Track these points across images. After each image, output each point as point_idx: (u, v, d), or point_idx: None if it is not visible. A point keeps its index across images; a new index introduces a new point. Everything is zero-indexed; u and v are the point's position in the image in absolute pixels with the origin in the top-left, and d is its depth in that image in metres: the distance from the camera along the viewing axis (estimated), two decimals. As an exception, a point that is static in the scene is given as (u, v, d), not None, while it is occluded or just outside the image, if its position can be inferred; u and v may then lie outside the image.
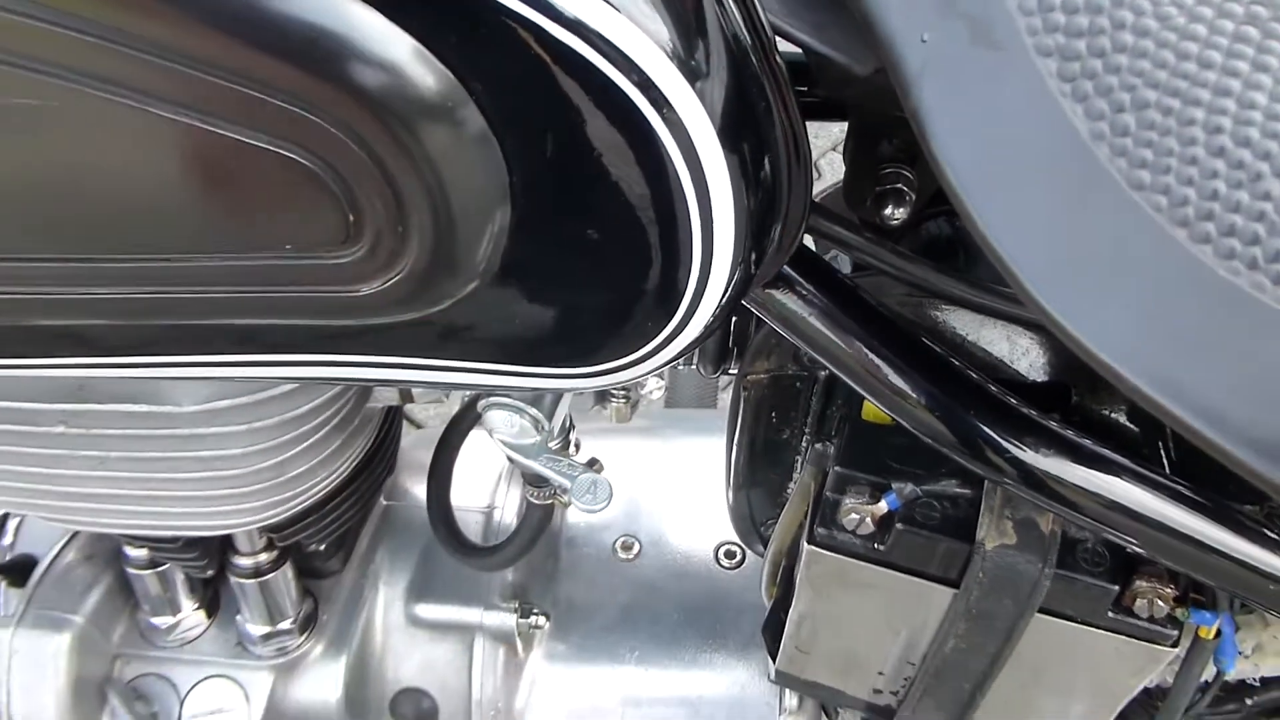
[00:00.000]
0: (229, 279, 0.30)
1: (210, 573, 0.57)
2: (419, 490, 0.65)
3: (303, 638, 0.59)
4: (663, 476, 0.68)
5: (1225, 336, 0.26)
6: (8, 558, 0.68)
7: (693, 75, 0.26)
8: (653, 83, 0.26)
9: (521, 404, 0.41)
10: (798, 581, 0.46)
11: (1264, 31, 0.26)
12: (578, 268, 0.30)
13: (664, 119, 0.26)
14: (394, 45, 0.24)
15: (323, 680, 0.59)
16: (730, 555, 0.64)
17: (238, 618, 0.58)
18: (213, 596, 0.60)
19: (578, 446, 0.48)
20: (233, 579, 0.56)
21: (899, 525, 0.42)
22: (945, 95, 0.26)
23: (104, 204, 0.29)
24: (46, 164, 0.28)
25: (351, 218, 0.27)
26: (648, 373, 0.33)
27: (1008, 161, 0.26)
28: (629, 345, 0.32)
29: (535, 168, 0.27)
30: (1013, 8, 0.26)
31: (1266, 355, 0.25)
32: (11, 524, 0.70)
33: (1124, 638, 0.42)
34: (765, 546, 0.54)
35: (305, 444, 0.45)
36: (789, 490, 0.51)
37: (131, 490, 0.46)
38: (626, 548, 0.65)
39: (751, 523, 0.56)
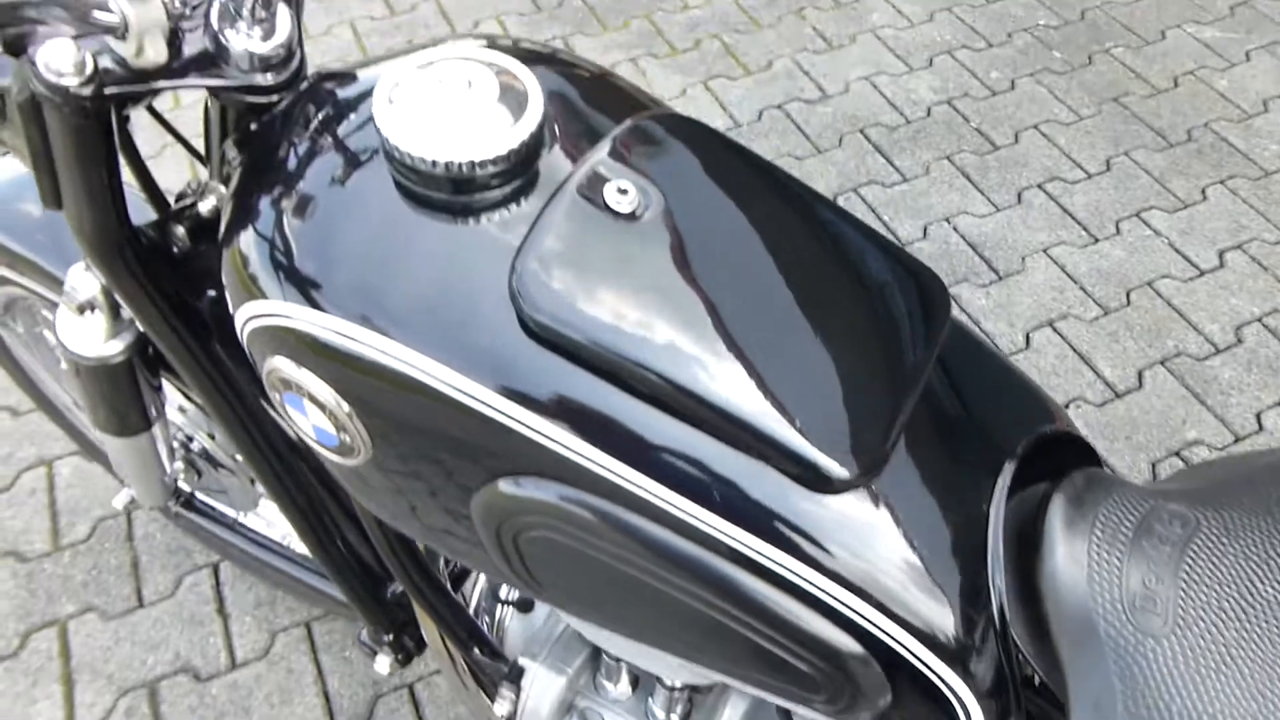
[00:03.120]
0: (760, 679, 0.69)
1: (645, 675, 1.00)
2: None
3: None
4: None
5: None
6: (519, 595, 1.15)
7: (976, 687, 0.62)
8: (954, 691, 0.61)
9: None
10: None
11: None
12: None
13: (955, 698, 0.62)
14: (856, 656, 0.62)
15: None
16: None
17: (649, 700, 1.01)
18: (637, 681, 1.02)
19: None
20: (657, 684, 0.98)
21: None
22: None
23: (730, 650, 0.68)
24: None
25: (826, 698, 0.65)
26: None
27: None
28: None
29: (901, 683, 0.64)
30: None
31: None
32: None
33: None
34: None
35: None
36: None
37: (645, 652, 0.87)
38: None
39: None
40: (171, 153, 2.26)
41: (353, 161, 0.66)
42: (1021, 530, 0.67)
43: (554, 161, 0.66)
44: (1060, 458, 0.70)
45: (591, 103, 0.71)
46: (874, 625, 0.61)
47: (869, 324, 0.64)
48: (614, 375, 0.60)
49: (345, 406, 0.65)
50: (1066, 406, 1.92)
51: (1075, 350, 2.01)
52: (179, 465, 1.34)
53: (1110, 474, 0.69)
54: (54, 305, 1.11)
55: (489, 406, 0.61)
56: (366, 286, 0.62)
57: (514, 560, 0.69)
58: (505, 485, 0.64)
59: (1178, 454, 1.86)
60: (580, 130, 0.68)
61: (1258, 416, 1.91)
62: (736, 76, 2.56)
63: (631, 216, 0.63)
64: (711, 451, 0.60)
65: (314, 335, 0.63)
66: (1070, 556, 0.64)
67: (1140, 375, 1.97)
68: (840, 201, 2.26)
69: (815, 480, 0.60)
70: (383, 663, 1.23)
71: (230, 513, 1.46)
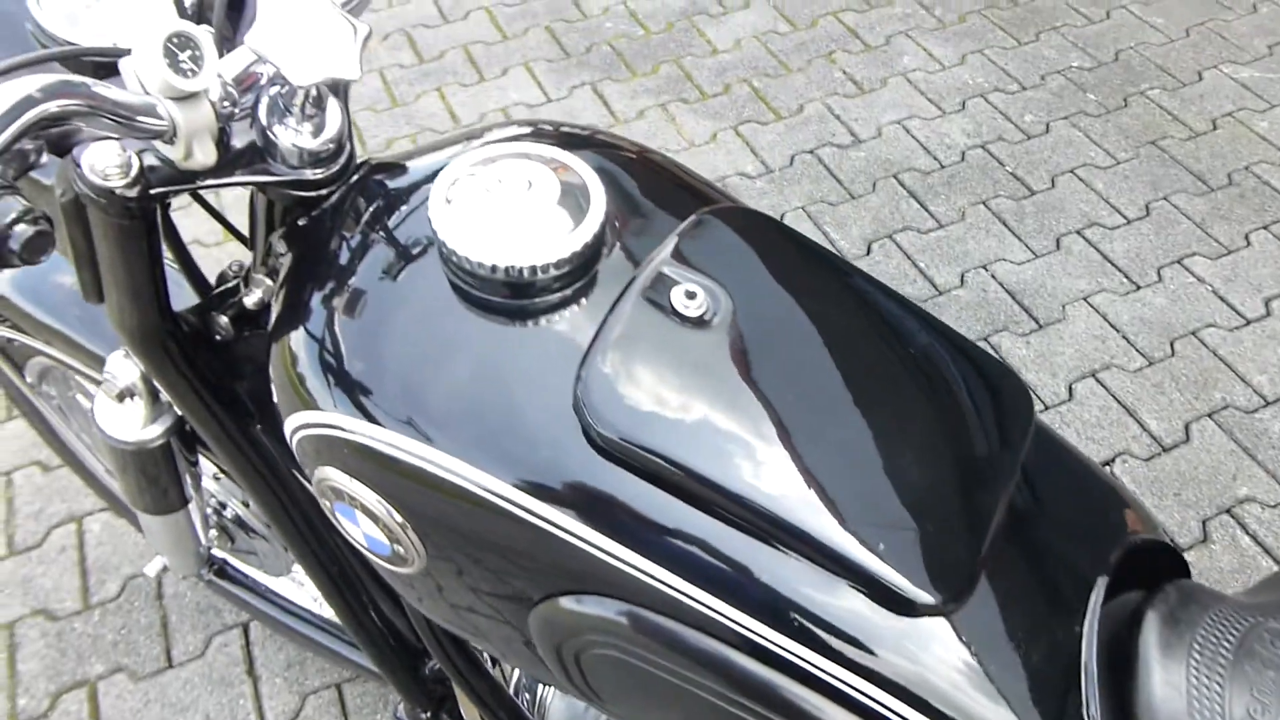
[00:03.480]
0: None
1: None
2: None
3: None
4: None
5: None
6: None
7: None
8: None
9: None
10: None
11: None
12: None
13: None
14: None
15: None
16: None
17: None
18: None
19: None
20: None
21: None
22: None
23: None
24: None
25: None
26: None
27: None
28: None
29: None
30: None
31: None
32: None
33: None
34: None
35: None
36: None
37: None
38: None
39: None
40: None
41: (407, 262, 0.64)
42: (1113, 650, 0.64)
43: (616, 262, 0.63)
44: (1148, 565, 0.66)
45: (652, 195, 0.68)
46: None
47: (950, 436, 0.61)
48: (685, 492, 0.57)
49: (398, 518, 0.63)
50: (1112, 461, 1.88)
51: (1119, 402, 1.97)
52: (212, 533, 1.32)
53: (1205, 587, 0.66)
54: (88, 376, 1.09)
55: (552, 524, 0.58)
56: (422, 397, 0.60)
57: (574, 674, 0.66)
58: (567, 602, 0.61)
59: (1229, 511, 1.81)
60: (642, 227, 0.66)
61: (1310, 472, 1.86)
62: (767, 121, 2.55)
63: (700, 322, 0.60)
64: (789, 573, 0.57)
65: (368, 447, 0.61)
66: (1168, 683, 0.60)
67: (1187, 428, 1.92)
68: (875, 249, 2.24)
69: (898, 605, 0.56)
70: (421, 741, 1.20)
71: (262, 579, 1.44)
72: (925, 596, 0.55)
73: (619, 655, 0.62)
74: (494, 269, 0.59)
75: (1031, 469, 0.64)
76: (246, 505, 1.30)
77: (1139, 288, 2.16)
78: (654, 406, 0.58)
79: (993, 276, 2.18)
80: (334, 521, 0.68)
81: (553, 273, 0.60)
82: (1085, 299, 2.14)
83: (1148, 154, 2.46)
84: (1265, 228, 2.28)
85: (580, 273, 0.62)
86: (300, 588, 1.43)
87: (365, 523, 0.65)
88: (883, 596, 0.56)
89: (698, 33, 2.83)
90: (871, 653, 0.57)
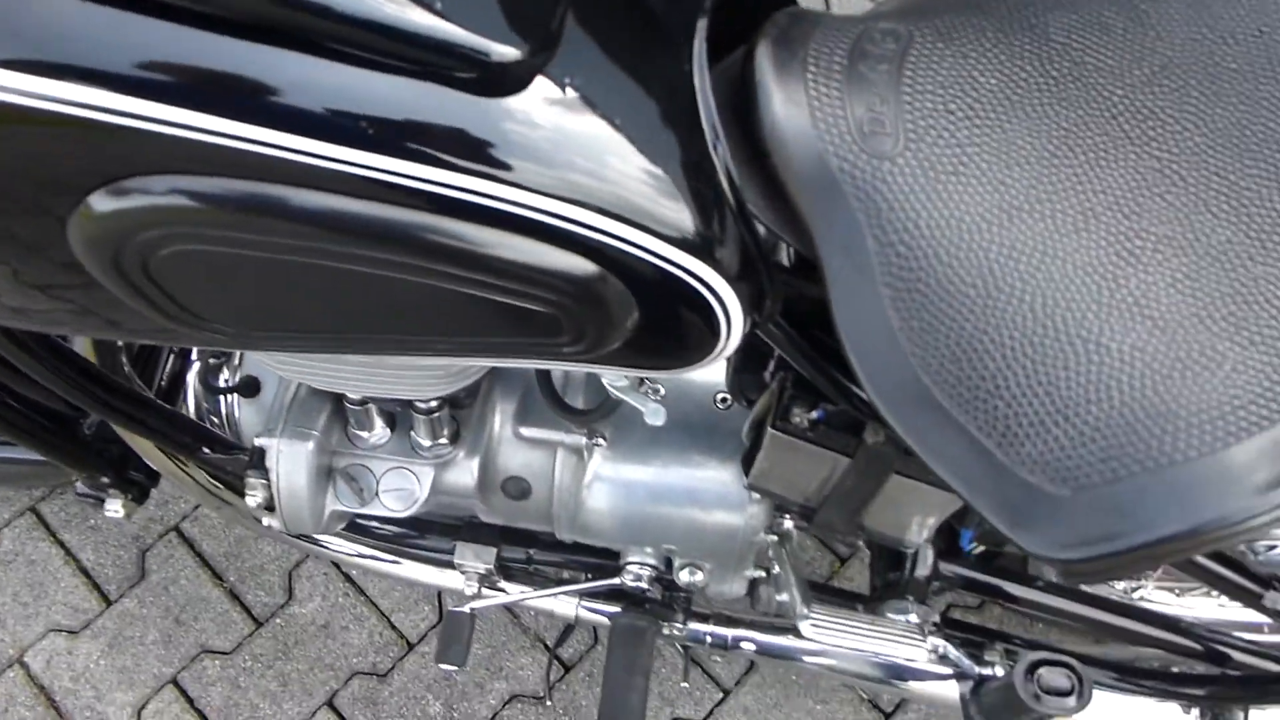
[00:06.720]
0: (492, 342, 0.61)
1: (398, 409, 0.91)
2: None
3: (451, 446, 0.93)
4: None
5: None
6: (239, 377, 1.02)
7: (724, 270, 0.57)
8: (701, 279, 0.56)
9: None
10: (764, 443, 0.80)
11: None
12: (669, 335, 0.61)
13: (704, 288, 0.57)
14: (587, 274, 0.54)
15: (463, 472, 0.95)
16: (724, 401, 0.98)
17: (411, 433, 0.93)
18: (393, 419, 0.94)
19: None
20: (413, 413, 0.90)
21: (824, 425, 0.76)
22: (841, 297, 0.57)
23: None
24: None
25: (571, 337, 0.58)
26: (705, 366, 0.64)
27: (866, 330, 0.57)
28: (697, 359, 0.63)
29: (645, 300, 0.57)
30: (873, 253, 0.56)
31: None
32: (236, 357, 1.03)
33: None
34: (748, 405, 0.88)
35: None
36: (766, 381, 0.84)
37: (379, 376, 0.78)
38: (655, 392, 0.98)
39: (740, 391, 0.90)
40: None
41: None
42: (732, 89, 0.61)
43: None
44: (755, 5, 0.63)
45: None
46: (597, 231, 0.54)
47: None
48: (198, 13, 0.46)
49: None
50: None
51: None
52: None
53: (813, 11, 0.63)
54: None
55: (37, 96, 0.45)
56: None
57: (156, 297, 0.55)
58: (99, 202, 0.50)
59: None
60: None
61: None
62: None
63: None
64: (346, 79, 0.48)
65: None
66: (788, 100, 0.58)
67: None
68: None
69: (484, 78, 0.49)
70: (114, 506, 1.08)
71: None
72: (508, 50, 0.48)
73: (190, 246, 0.52)
74: None
75: None
76: None
77: None
78: None
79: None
80: None
81: None
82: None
83: None
84: None
85: None
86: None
87: None
88: (460, 67, 0.48)
89: None
90: (475, 143, 0.50)
